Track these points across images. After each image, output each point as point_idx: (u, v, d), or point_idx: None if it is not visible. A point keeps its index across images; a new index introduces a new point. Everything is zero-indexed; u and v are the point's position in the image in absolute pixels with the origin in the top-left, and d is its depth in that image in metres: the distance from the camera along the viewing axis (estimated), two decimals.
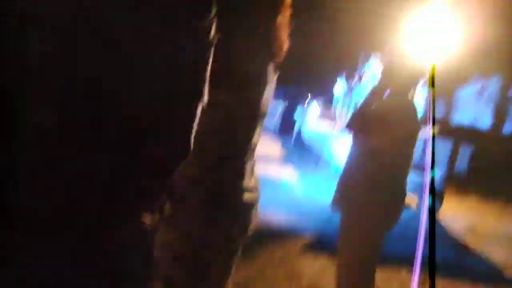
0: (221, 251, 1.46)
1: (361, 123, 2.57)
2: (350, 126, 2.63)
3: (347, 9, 9.75)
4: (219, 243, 1.45)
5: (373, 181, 2.52)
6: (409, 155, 2.70)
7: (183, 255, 1.40)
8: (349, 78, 9.77)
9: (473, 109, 14.64)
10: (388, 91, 2.61)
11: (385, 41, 2.94)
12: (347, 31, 10.81)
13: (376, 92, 2.64)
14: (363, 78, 8.30)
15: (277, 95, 10.81)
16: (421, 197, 6.59)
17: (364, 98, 2.63)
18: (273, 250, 4.07)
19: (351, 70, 9.69)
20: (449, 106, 15.45)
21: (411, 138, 2.67)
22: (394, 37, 2.62)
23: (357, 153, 2.62)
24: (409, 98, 2.64)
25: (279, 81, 1.52)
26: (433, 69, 1.93)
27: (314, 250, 4.23)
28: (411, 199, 6.26)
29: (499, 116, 14.27)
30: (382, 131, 2.49)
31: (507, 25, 9.89)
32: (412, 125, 2.66)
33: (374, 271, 2.76)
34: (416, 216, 6.29)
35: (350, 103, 8.89)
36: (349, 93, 9.27)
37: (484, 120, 14.40)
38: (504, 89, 14.26)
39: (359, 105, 2.59)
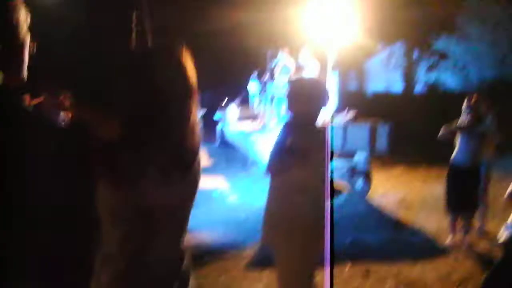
0: None
1: (280, 162, 2.54)
2: (270, 169, 2.59)
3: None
4: None
5: (299, 211, 2.50)
6: (324, 171, 2.53)
7: None
8: (260, 76, 9.89)
9: (384, 77, 15.28)
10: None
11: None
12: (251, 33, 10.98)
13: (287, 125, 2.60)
14: (275, 74, 8.37)
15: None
16: (350, 182, 6.73)
17: (276, 138, 2.59)
18: (216, 275, 4.00)
19: (261, 69, 9.81)
20: (361, 77, 16.03)
21: (323, 159, 2.52)
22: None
23: (280, 189, 2.58)
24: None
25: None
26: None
27: (258, 266, 4.14)
28: (341, 185, 6.41)
29: (408, 80, 15.02)
30: (302, 163, 2.46)
31: None
32: (322, 147, 2.54)
33: (313, 277, 2.69)
34: (347, 202, 6.40)
35: (266, 100, 8.97)
36: (263, 90, 9.34)
37: (396, 85, 15.08)
38: (408, 53, 14.97)
39: (273, 146, 2.56)
